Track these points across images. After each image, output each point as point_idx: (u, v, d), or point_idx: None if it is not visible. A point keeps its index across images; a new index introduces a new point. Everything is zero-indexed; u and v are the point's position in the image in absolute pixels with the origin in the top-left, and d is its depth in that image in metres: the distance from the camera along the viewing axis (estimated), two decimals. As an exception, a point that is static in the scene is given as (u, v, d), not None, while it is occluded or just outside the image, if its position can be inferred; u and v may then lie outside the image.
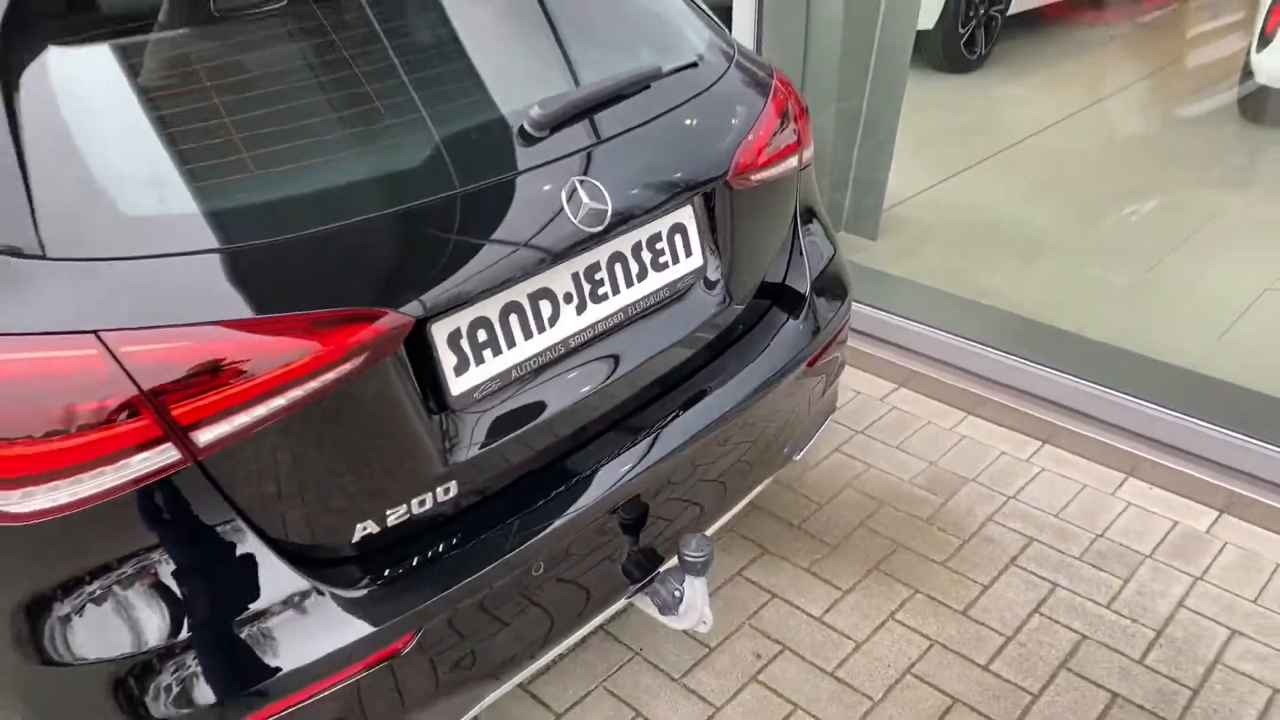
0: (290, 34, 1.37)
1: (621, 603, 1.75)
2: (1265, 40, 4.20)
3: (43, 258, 1.16)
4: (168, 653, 1.24)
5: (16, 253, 1.15)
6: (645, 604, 1.79)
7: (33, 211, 1.17)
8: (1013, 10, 5.79)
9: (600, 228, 1.48)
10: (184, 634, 1.24)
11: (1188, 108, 4.79)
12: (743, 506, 2.02)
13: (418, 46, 1.48)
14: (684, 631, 2.11)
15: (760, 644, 2.10)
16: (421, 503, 1.40)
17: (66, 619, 1.21)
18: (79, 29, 1.27)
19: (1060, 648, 2.08)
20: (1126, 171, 4.16)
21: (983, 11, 5.53)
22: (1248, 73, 4.38)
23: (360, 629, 1.31)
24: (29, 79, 1.21)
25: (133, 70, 1.27)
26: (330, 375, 1.24)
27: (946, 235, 3.69)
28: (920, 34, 5.23)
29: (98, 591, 1.21)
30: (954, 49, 5.44)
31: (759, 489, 2.02)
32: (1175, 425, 2.50)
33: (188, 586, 1.24)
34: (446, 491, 1.43)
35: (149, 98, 1.27)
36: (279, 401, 1.22)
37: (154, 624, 1.23)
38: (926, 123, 4.67)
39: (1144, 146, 4.50)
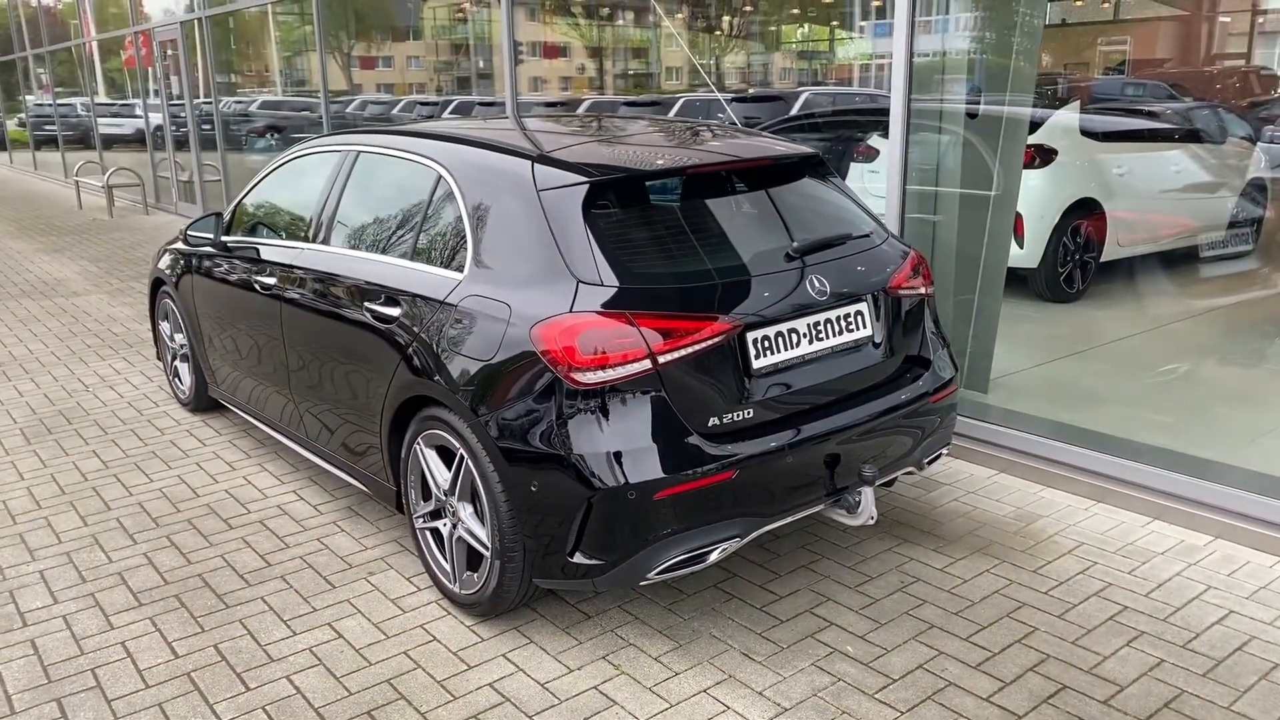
0: (700, 208, 3.14)
1: (822, 505, 3.18)
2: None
3: (601, 285, 2.86)
4: (618, 455, 2.78)
5: (595, 282, 2.85)
6: (833, 512, 3.22)
7: (597, 269, 2.88)
8: (1106, 258, 7.37)
9: (823, 299, 3.10)
10: (635, 445, 2.79)
11: (1240, 321, 6.15)
12: (891, 477, 3.43)
13: (744, 218, 3.21)
14: (857, 540, 3.48)
15: (904, 578, 3.45)
16: (735, 416, 2.95)
17: (579, 430, 2.78)
18: (608, 205, 3.04)
19: (1094, 587, 3.34)
20: (1178, 361, 5.52)
21: (1078, 257, 7.13)
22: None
23: (712, 461, 2.84)
24: (592, 221, 2.96)
25: (632, 216, 3.03)
26: (710, 342, 2.87)
27: (1036, 391, 5.11)
28: (1027, 271, 6.89)
29: (599, 419, 2.79)
30: (1054, 284, 7.01)
31: (900, 471, 3.44)
32: (1182, 482, 3.80)
33: (639, 422, 2.81)
34: (747, 413, 2.97)
35: (633, 226, 3.01)
36: (688, 350, 2.83)
37: (619, 436, 2.79)
38: (1030, 333, 6.19)
39: (1198, 350, 5.86)
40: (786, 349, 3.06)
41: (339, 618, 3.31)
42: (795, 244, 3.16)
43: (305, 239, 4.02)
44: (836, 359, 3.20)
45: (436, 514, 3.35)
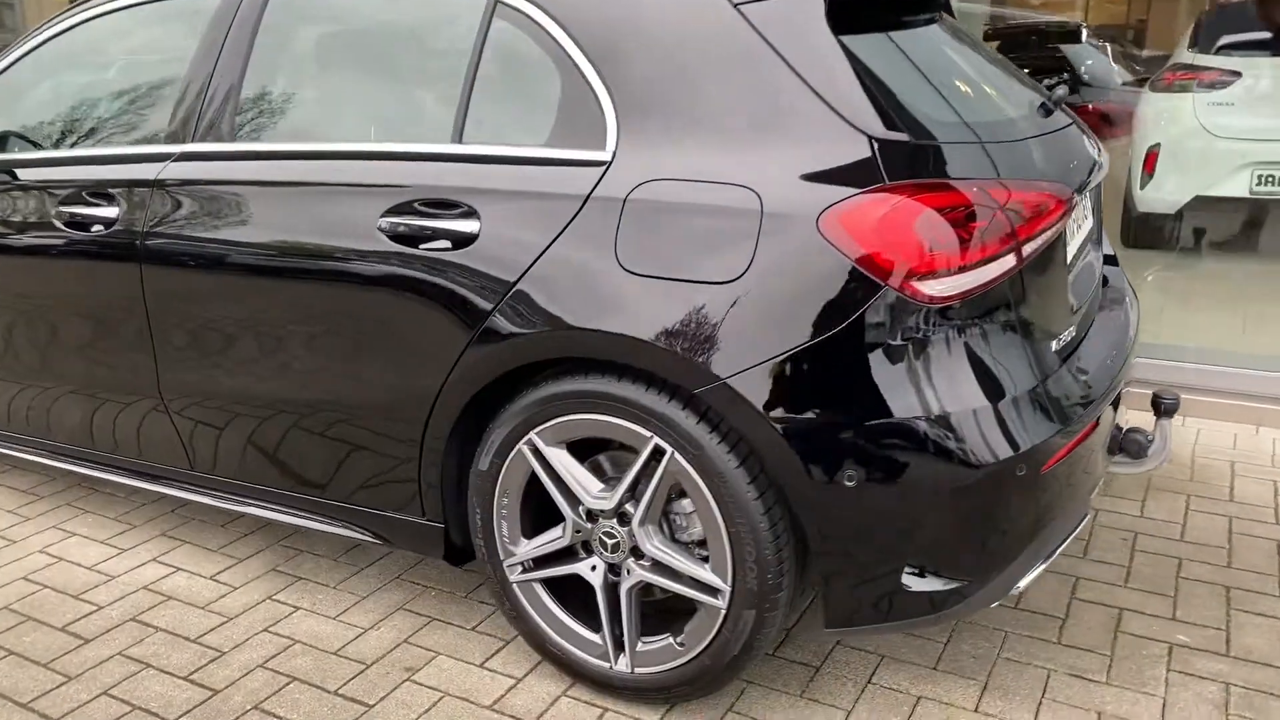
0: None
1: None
2: (1146, 179, 5.57)
3: (909, 141, 1.76)
4: (993, 411, 1.74)
5: (899, 138, 1.75)
6: (1116, 464, 2.38)
7: (892, 116, 1.77)
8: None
9: (1096, 170, 2.23)
10: (1011, 392, 1.76)
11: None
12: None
13: (971, 57, 2.22)
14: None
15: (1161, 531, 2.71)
16: (1066, 335, 1.99)
17: (932, 375, 1.71)
18: (858, 21, 1.92)
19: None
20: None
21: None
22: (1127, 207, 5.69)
23: (1084, 404, 1.88)
24: (850, 47, 1.84)
25: (889, 40, 1.96)
26: (1060, 225, 1.89)
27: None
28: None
29: (958, 356, 1.73)
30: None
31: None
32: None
33: (1010, 354, 1.78)
34: (1071, 331, 2.03)
35: (897, 54, 1.95)
36: (1045, 237, 1.84)
37: (990, 379, 1.75)
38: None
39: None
40: (1072, 239, 2.16)
41: (421, 762, 1.90)
42: (1055, 92, 2.26)
43: (184, 139, 2.37)
44: (1085, 257, 2.35)
45: (567, 552, 2.04)
